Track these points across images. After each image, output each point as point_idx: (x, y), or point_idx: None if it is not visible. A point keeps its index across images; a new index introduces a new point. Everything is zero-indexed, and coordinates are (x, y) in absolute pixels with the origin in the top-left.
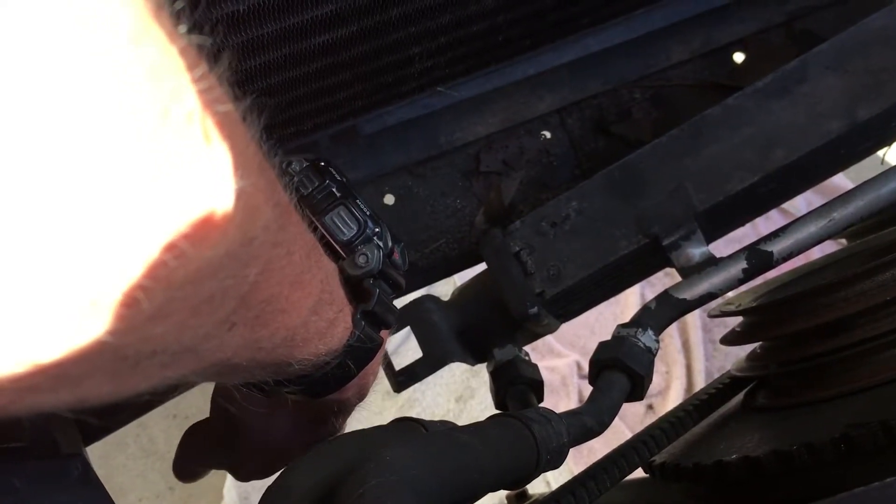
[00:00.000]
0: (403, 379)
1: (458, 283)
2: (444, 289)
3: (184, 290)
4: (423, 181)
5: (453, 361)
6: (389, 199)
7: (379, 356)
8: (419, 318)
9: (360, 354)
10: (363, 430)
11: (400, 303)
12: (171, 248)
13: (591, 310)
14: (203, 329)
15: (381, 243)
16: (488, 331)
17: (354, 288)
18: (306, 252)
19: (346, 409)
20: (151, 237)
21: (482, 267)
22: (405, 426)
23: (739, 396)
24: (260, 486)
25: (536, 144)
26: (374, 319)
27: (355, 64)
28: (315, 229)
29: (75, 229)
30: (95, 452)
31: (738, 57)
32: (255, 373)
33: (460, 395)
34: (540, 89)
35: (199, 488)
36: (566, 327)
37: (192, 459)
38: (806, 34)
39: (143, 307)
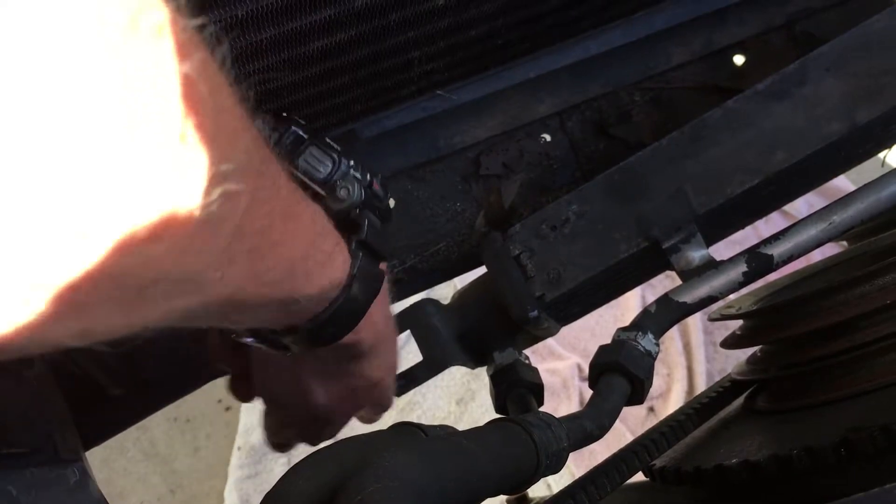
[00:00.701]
0: (403, 382)
1: (458, 287)
2: (444, 292)
3: (176, 211)
4: (423, 185)
5: (453, 365)
6: (389, 203)
7: (384, 292)
8: (419, 322)
9: (363, 286)
10: (363, 435)
11: (400, 306)
12: (154, 167)
13: (591, 313)
14: (202, 257)
15: (358, 175)
16: (488, 334)
17: (343, 222)
18: (292, 188)
19: (365, 354)
20: (134, 160)
21: (482, 270)
22: (405, 431)
23: (740, 400)
24: (262, 490)
25: (536, 147)
26: (369, 249)
27: (354, 68)
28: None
29: (64, 160)
30: (96, 456)
31: (739, 59)
32: (263, 313)
33: (461, 397)
34: (540, 92)
35: (201, 491)
36: (567, 330)
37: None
38: (806, 36)
39: (139, 228)
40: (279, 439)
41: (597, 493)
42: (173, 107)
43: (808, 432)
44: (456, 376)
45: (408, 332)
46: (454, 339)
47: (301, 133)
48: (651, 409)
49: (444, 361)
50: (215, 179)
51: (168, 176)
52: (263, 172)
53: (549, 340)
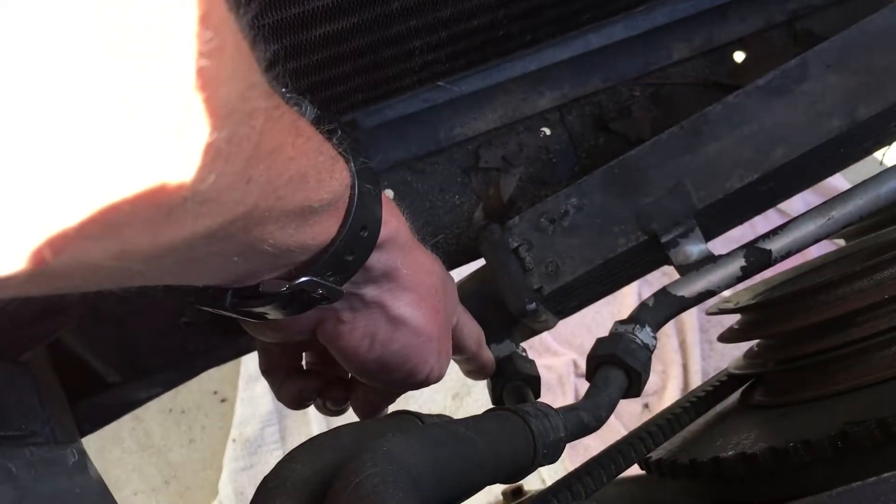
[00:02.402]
0: None
1: (457, 279)
2: None
3: (202, 132)
4: (423, 176)
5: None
6: (388, 194)
7: (394, 209)
8: None
9: (368, 180)
10: (360, 422)
11: None
12: (188, 83)
13: (588, 309)
14: (224, 179)
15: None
16: (486, 326)
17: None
18: (289, 107)
19: (406, 242)
20: (166, 76)
21: (481, 263)
22: (402, 419)
23: (736, 394)
24: (257, 482)
25: (536, 141)
26: (356, 149)
27: (355, 56)
28: None
29: (95, 77)
30: (91, 446)
31: (739, 56)
32: (285, 228)
33: (457, 392)
34: (540, 85)
35: (195, 482)
36: (563, 326)
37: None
38: (807, 34)
39: (169, 151)
40: (372, 413)
41: (593, 484)
42: (193, 23)
43: (805, 426)
44: (452, 370)
45: None
46: None
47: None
48: (646, 406)
49: None
50: (239, 97)
51: (192, 94)
52: (270, 94)
53: (546, 336)
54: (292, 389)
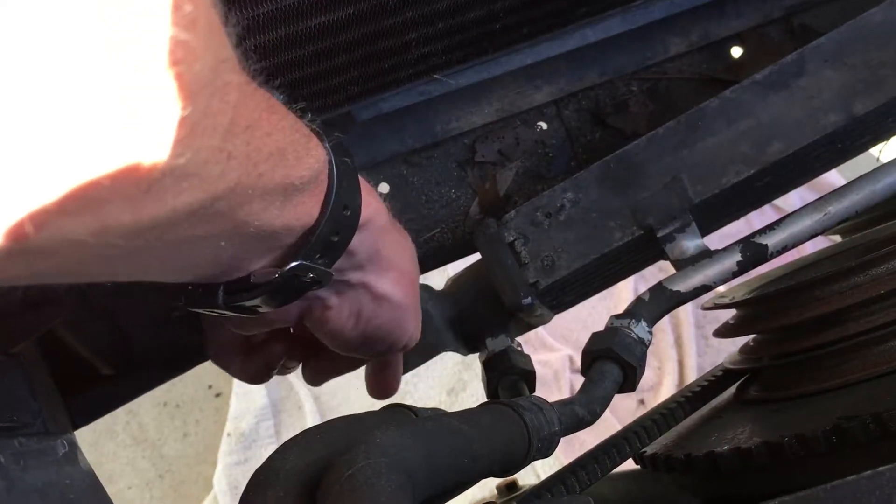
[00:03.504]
0: None
1: (452, 274)
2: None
3: (177, 106)
4: (418, 170)
5: (446, 351)
6: (384, 188)
7: (370, 189)
8: None
9: (344, 154)
10: (354, 415)
11: None
12: (160, 54)
13: (583, 304)
14: (203, 153)
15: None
16: (481, 321)
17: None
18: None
19: (383, 224)
20: (138, 47)
21: (476, 257)
22: (396, 412)
23: (732, 389)
24: (251, 475)
25: (532, 135)
26: (329, 126)
27: (351, 48)
28: None
29: (72, 51)
30: (85, 439)
31: (736, 51)
32: (267, 207)
33: (452, 387)
34: (537, 79)
35: (190, 476)
36: (559, 321)
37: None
38: (804, 29)
39: (144, 126)
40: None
41: (587, 478)
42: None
43: (800, 421)
44: (448, 366)
45: None
46: (447, 325)
47: None
48: (641, 402)
49: (437, 347)
50: (212, 69)
51: (166, 64)
52: (242, 70)
53: (541, 332)
54: (257, 364)
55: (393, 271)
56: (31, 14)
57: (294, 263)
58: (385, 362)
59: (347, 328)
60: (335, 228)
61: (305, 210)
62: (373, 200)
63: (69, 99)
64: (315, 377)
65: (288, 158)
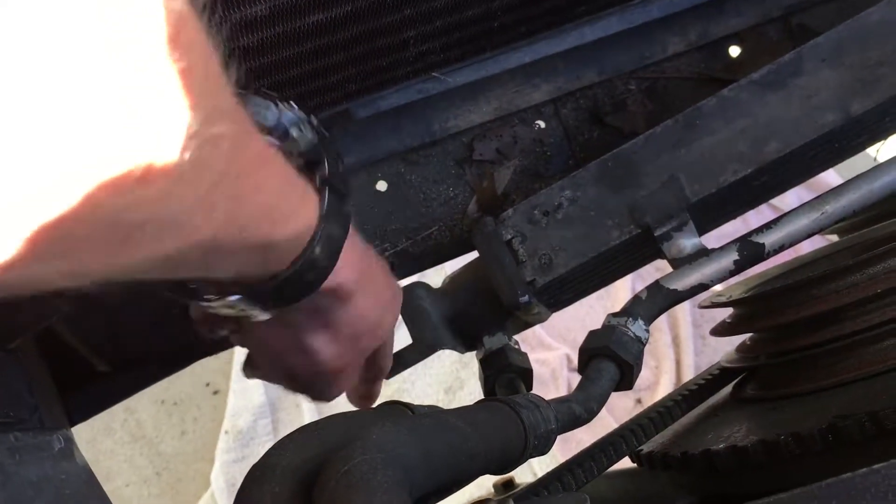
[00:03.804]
0: (393, 365)
1: (450, 272)
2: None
3: (164, 152)
4: (416, 168)
5: (443, 348)
6: (382, 186)
7: (353, 232)
8: (409, 305)
9: (336, 223)
10: (351, 412)
11: None
12: (145, 105)
13: (581, 303)
14: (186, 202)
15: (300, 115)
16: (479, 318)
17: (305, 161)
18: (261, 135)
19: (353, 293)
20: (121, 95)
21: (474, 255)
22: (393, 409)
23: (728, 387)
24: None
25: (530, 134)
26: (333, 187)
27: (349, 46)
28: None
29: (49, 97)
30: (82, 436)
31: (734, 50)
32: (242, 259)
33: (449, 385)
34: (535, 78)
35: (187, 474)
36: (557, 320)
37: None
38: (802, 28)
39: (126, 170)
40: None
41: (583, 476)
42: (162, 43)
43: (796, 419)
44: (445, 364)
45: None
46: (444, 323)
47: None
48: (639, 401)
49: (434, 345)
50: (205, 120)
51: (158, 115)
52: (238, 120)
53: (539, 330)
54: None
55: (331, 331)
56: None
57: (233, 298)
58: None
59: (260, 352)
60: (290, 287)
61: (283, 261)
62: (346, 269)
63: (46, 143)
64: (250, 371)
65: (274, 216)
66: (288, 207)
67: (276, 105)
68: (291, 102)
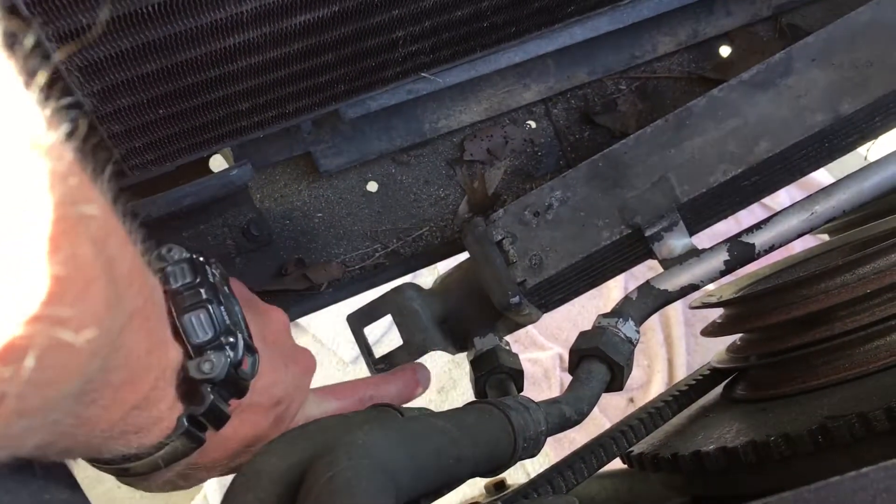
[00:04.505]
0: (384, 366)
1: (441, 273)
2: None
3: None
4: (407, 169)
5: (434, 349)
6: (372, 187)
7: (197, 454)
8: (400, 306)
9: (171, 455)
10: (339, 416)
11: (382, 290)
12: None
13: (573, 303)
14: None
15: (231, 353)
16: (470, 319)
17: (191, 389)
18: (148, 349)
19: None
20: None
21: (465, 256)
22: (381, 412)
23: (719, 388)
24: None
25: (521, 134)
26: (198, 425)
27: (338, 46)
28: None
29: None
30: None
31: (724, 50)
32: (56, 455)
33: (442, 385)
34: (525, 78)
35: None
36: (549, 320)
37: None
38: (792, 28)
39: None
40: None
41: (574, 478)
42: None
43: (786, 420)
44: (438, 364)
45: (389, 316)
46: (435, 324)
47: (202, 292)
48: (631, 401)
49: (425, 346)
50: (44, 319)
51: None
52: (119, 347)
53: (531, 330)
54: None
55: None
56: None
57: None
58: None
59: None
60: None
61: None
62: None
63: None
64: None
65: (113, 433)
66: (132, 426)
67: (218, 331)
68: (236, 338)
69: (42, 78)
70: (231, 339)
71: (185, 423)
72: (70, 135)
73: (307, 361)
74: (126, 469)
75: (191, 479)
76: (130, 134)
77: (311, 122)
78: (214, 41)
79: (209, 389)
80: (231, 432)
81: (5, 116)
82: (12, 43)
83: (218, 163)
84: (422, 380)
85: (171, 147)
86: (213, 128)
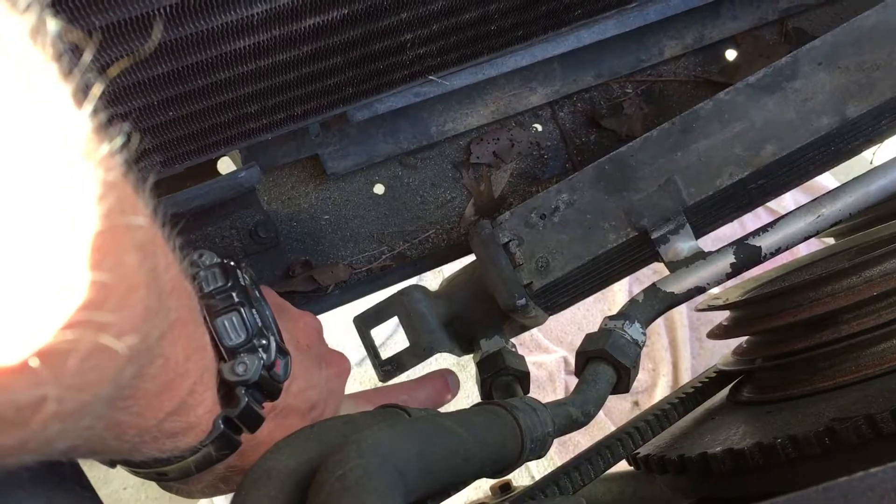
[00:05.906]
0: (390, 368)
1: (447, 275)
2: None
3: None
4: (414, 171)
5: (440, 351)
6: (379, 189)
7: (232, 459)
8: (407, 308)
9: (205, 460)
10: (347, 416)
11: (388, 293)
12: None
13: (578, 306)
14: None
15: (264, 355)
16: (476, 321)
17: (227, 392)
18: (187, 355)
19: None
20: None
21: (471, 259)
22: (389, 412)
23: (725, 390)
24: None
25: (527, 137)
26: (233, 427)
27: (346, 49)
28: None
29: None
30: None
31: (731, 54)
32: (80, 457)
33: None
34: (532, 81)
35: None
36: (554, 323)
37: None
38: (798, 32)
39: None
40: None
41: (580, 479)
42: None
43: (793, 422)
44: (443, 366)
45: (395, 318)
46: (441, 326)
47: (234, 295)
48: (636, 404)
49: (431, 348)
50: (87, 324)
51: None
52: (159, 355)
53: (536, 333)
54: None
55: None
56: None
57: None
58: None
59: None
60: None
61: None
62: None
63: None
64: None
65: (145, 439)
66: (166, 431)
67: (251, 334)
68: (269, 340)
69: (98, 90)
70: (263, 342)
71: (221, 425)
72: (120, 146)
73: (341, 365)
74: (163, 473)
75: (230, 483)
76: (140, 136)
77: (319, 125)
78: (225, 44)
79: (243, 392)
80: (268, 436)
81: (61, 127)
82: (62, 55)
83: (225, 165)
84: (452, 385)
85: (180, 149)
86: (222, 130)
